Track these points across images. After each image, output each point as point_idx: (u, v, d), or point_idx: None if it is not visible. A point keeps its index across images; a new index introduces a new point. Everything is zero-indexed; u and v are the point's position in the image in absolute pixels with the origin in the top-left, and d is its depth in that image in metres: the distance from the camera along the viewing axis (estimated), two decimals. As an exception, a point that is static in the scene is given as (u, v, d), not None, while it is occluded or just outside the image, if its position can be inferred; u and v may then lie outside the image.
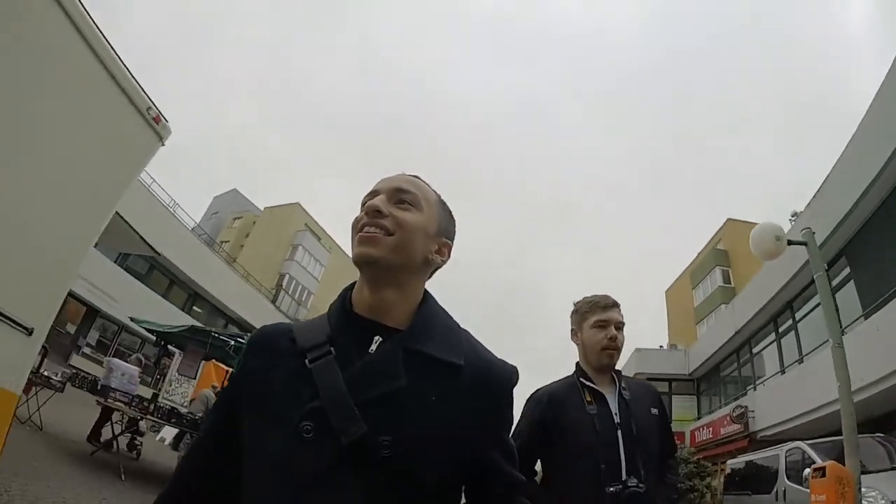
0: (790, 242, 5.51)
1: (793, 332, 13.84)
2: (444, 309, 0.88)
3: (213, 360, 10.62)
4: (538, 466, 1.93)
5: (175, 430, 9.38)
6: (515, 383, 0.87)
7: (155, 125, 2.78)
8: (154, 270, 22.81)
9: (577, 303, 2.05)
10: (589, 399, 1.87)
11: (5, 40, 2.00)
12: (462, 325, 0.88)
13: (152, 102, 2.70)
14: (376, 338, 0.78)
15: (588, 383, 1.91)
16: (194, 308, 25.02)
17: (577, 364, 1.99)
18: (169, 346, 10.56)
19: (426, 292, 0.87)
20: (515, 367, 0.88)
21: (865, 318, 10.25)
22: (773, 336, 15.29)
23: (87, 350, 19.81)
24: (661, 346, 24.23)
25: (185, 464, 0.86)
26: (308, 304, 36.48)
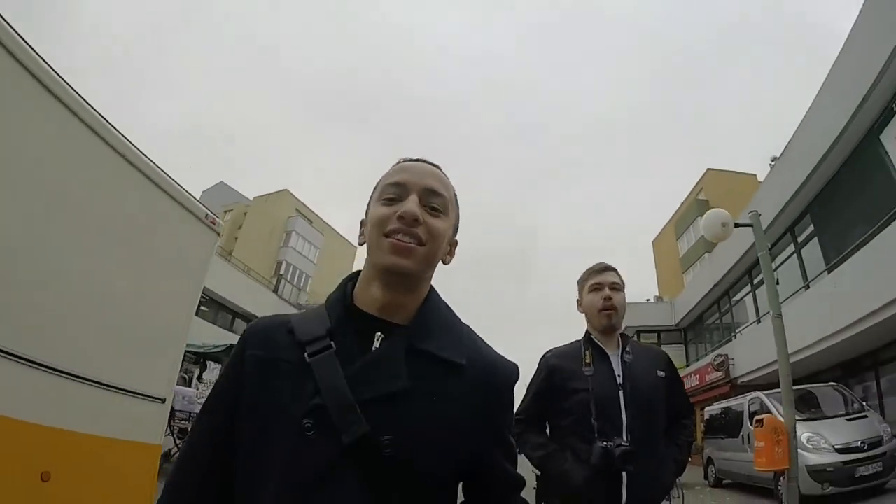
0: (737, 225, 6.21)
1: (764, 286, 14.65)
2: (446, 304, 0.87)
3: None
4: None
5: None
6: (516, 381, 0.87)
7: (213, 226, 3.72)
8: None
9: (579, 277, 2.14)
10: (588, 361, 1.94)
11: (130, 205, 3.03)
12: (457, 305, 0.89)
13: (209, 210, 3.73)
14: (378, 334, 0.78)
15: (596, 342, 1.99)
16: (201, 308, 25.40)
17: (587, 330, 2.07)
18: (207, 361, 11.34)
19: (431, 288, 0.86)
20: (516, 365, 0.88)
21: (828, 273, 11.00)
22: (748, 287, 16.19)
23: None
24: (647, 300, 25.11)
25: (188, 463, 0.81)
26: (307, 288, 37.09)
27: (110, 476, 2.81)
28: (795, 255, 13.01)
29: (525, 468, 1.15)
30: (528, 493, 0.96)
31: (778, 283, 15.28)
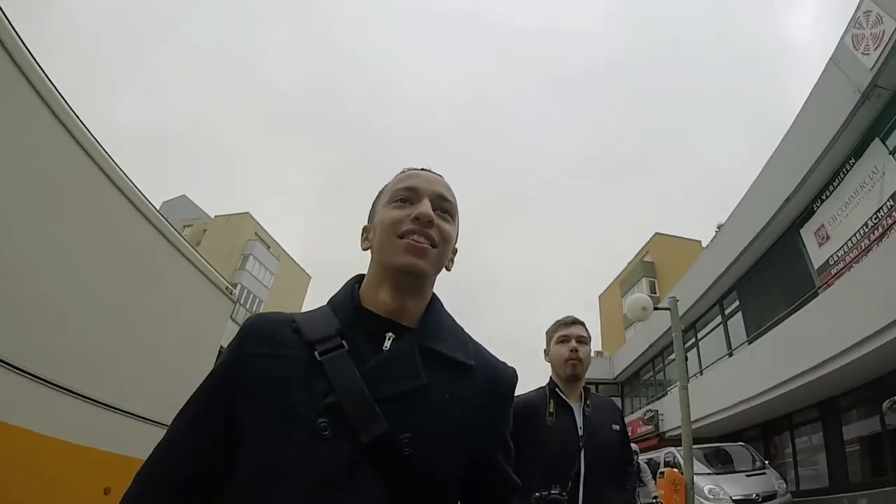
0: (656, 308, 7.51)
1: (695, 350, 15.94)
2: (447, 311, 0.88)
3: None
4: None
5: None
6: (517, 384, 0.88)
7: (230, 295, 4.68)
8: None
9: (548, 328, 2.24)
10: (551, 411, 2.02)
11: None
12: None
13: (227, 282, 4.70)
14: (389, 334, 0.77)
15: (559, 393, 2.07)
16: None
17: (551, 378, 2.15)
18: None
19: (434, 294, 0.87)
20: (515, 369, 0.89)
21: (749, 343, 12.23)
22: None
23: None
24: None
25: (165, 467, 0.76)
26: (260, 311, 35.67)
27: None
28: (722, 325, 14.31)
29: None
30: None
31: (695, 356, 16.75)
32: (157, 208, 3.73)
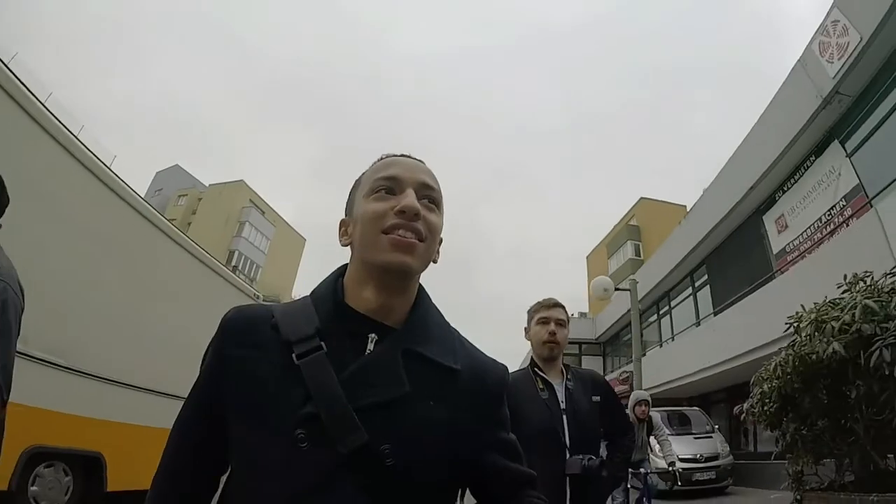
0: (617, 289, 8.45)
1: (668, 316, 17.14)
2: (436, 306, 0.84)
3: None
4: None
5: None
6: (508, 382, 0.86)
7: (257, 301, 5.71)
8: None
9: (530, 308, 2.30)
10: (541, 387, 2.10)
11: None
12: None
13: (256, 291, 5.71)
14: (371, 335, 0.74)
15: (540, 373, 2.14)
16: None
17: (531, 357, 2.23)
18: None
19: (420, 288, 0.82)
20: (506, 367, 0.88)
21: (714, 316, 13.35)
22: (655, 316, 18.68)
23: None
24: (572, 314, 27.48)
25: (165, 479, 0.77)
26: (258, 278, 37.49)
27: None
28: (692, 296, 15.44)
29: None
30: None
31: (668, 322, 17.84)
32: (207, 252, 4.96)
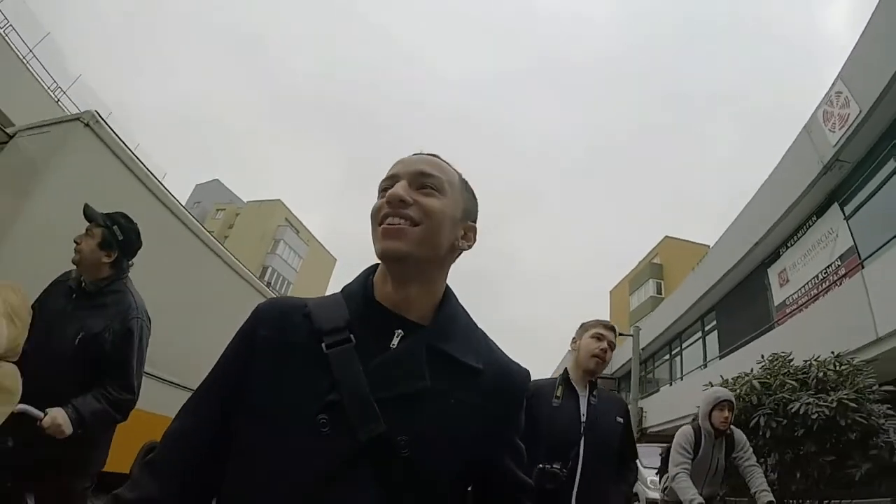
0: (621, 334, 9.23)
1: (679, 356, 17.65)
2: (462, 306, 0.86)
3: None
4: None
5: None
6: (529, 386, 0.87)
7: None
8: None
9: (585, 322, 2.42)
10: (558, 395, 2.17)
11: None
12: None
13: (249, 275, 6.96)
14: (398, 331, 0.76)
15: (570, 381, 2.24)
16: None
17: (566, 369, 2.31)
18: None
19: (448, 288, 0.84)
20: (528, 371, 0.88)
21: (720, 359, 13.86)
22: (668, 356, 19.16)
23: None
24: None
25: (173, 441, 0.77)
26: (288, 294, 38.47)
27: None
28: (701, 339, 15.98)
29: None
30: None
31: (679, 362, 18.43)
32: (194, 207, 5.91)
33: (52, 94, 13.45)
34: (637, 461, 2.58)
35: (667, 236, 32.65)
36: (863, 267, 8.83)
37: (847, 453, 4.11)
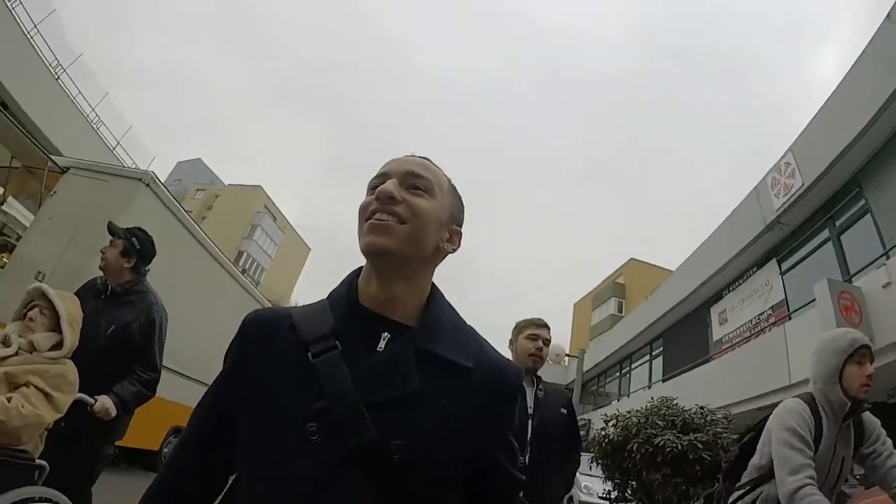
0: (568, 355, 10.36)
1: (628, 375, 19.01)
2: (450, 304, 0.85)
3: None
4: None
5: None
6: (520, 384, 0.86)
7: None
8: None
9: (519, 321, 2.53)
10: None
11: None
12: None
13: (267, 299, 8.13)
14: (384, 334, 0.75)
15: None
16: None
17: None
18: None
19: (434, 286, 0.84)
20: (520, 368, 0.88)
21: (662, 382, 15.16)
22: (618, 373, 20.56)
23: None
24: (548, 361, 28.88)
25: (174, 465, 0.80)
26: (261, 280, 39.27)
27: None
28: (648, 362, 17.37)
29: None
30: None
31: (628, 380, 19.83)
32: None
33: (53, 70, 13.69)
34: (580, 452, 2.72)
35: (632, 258, 33.95)
36: (790, 318, 10.04)
37: (695, 483, 5.19)
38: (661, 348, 16.67)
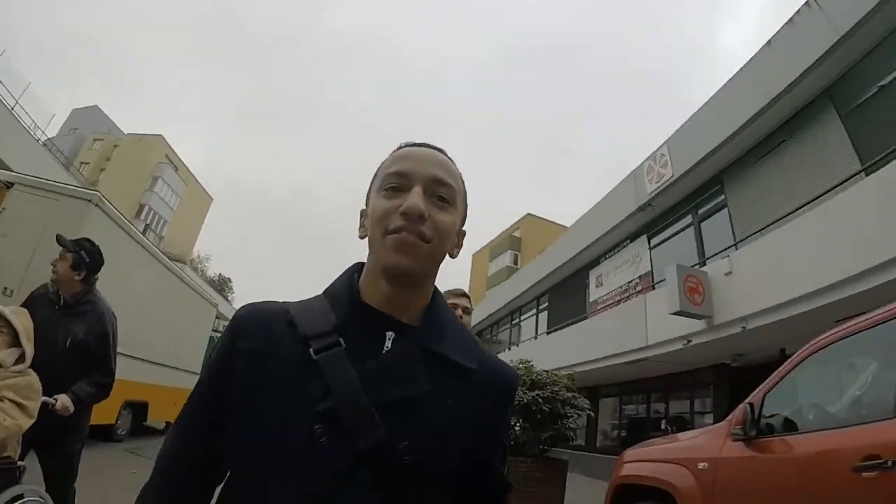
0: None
1: (518, 326, 21.19)
2: (447, 304, 0.84)
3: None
4: None
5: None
6: (518, 386, 0.89)
7: (215, 306, 10.31)
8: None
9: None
10: None
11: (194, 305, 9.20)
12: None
13: (215, 305, 9.17)
14: (389, 333, 0.73)
15: None
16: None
17: None
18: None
19: (435, 288, 0.82)
20: (517, 371, 0.89)
21: (547, 335, 17.21)
22: (508, 324, 22.86)
23: None
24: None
25: (165, 466, 0.77)
26: (164, 233, 37.60)
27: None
28: (535, 315, 19.72)
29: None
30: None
31: (517, 330, 22.07)
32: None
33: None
34: None
35: (528, 213, 35.92)
36: (654, 288, 11.84)
37: (541, 426, 6.44)
38: (547, 303, 18.79)
